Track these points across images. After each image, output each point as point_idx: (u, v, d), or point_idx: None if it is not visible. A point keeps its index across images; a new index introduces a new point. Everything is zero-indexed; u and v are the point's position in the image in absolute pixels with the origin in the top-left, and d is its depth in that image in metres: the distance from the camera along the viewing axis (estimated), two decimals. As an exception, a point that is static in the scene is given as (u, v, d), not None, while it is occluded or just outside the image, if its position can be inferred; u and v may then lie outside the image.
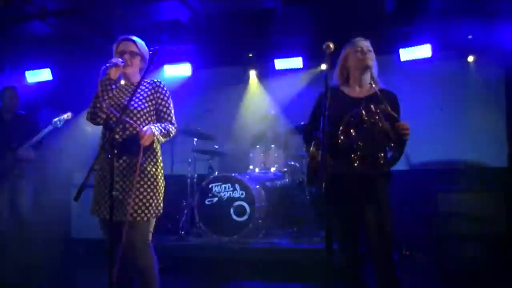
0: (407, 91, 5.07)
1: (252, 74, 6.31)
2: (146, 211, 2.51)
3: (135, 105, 2.55)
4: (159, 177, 2.61)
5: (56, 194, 4.73)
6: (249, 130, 6.00)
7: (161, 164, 2.67)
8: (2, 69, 5.70)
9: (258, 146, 5.23)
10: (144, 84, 2.66)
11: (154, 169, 2.57)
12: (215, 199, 4.74)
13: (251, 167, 5.20)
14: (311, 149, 2.51)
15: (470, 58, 5.44)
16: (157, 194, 2.57)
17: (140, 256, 2.51)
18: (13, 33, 5.20)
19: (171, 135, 2.63)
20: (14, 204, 4.48)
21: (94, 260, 4.95)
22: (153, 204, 2.55)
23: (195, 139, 5.28)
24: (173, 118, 2.68)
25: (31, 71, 5.90)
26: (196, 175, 5.33)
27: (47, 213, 5.00)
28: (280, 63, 5.84)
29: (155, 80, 2.70)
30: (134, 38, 2.68)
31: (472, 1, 4.49)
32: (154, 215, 2.57)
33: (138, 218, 2.48)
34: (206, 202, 4.74)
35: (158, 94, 2.64)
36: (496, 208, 4.33)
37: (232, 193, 4.72)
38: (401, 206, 4.69)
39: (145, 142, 2.41)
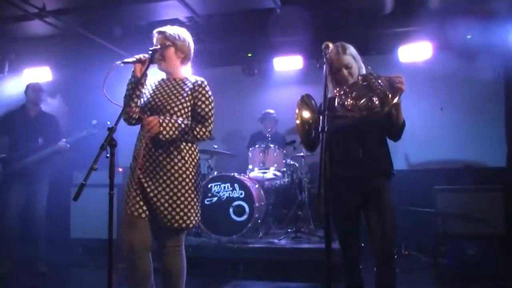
0: (406, 91, 5.09)
1: (252, 73, 6.30)
2: (185, 218, 2.42)
3: (173, 104, 2.46)
4: (192, 179, 2.47)
5: (56, 194, 4.72)
6: (248, 130, 6.00)
7: (196, 165, 2.53)
8: (1, 68, 5.69)
9: (257, 145, 5.23)
10: (186, 82, 2.56)
11: (183, 170, 2.44)
12: (214, 198, 4.75)
13: (250, 166, 5.20)
14: (296, 111, 2.48)
15: (469, 58, 5.44)
16: (191, 199, 2.46)
17: (170, 256, 2.50)
18: (13, 32, 5.20)
19: (198, 136, 2.47)
20: (30, 205, 4.46)
21: (93, 260, 4.97)
22: (192, 210, 2.46)
23: (195, 139, 5.28)
24: (208, 120, 2.51)
25: (31, 70, 5.90)
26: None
27: (47, 212, 4.99)
28: (280, 63, 5.84)
29: (199, 79, 2.58)
30: (164, 29, 2.55)
31: (471, 1, 4.49)
32: (194, 222, 2.48)
33: (176, 225, 2.42)
34: (205, 202, 4.74)
35: (197, 93, 2.51)
36: (495, 208, 4.34)
37: (231, 192, 4.72)
38: (400, 205, 4.70)
39: (147, 131, 2.32)
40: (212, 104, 2.58)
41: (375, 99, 2.29)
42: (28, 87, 4.65)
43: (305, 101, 2.46)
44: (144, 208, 2.43)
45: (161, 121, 2.34)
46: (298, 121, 2.46)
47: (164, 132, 2.34)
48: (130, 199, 2.45)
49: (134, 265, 2.46)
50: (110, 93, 2.45)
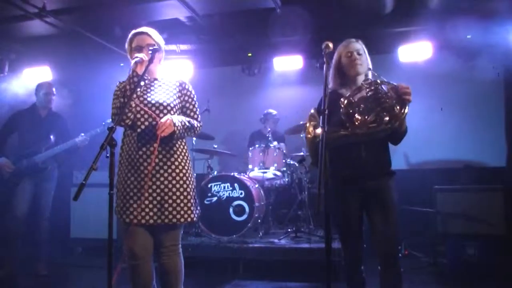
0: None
1: (252, 73, 6.31)
2: (189, 212, 2.47)
3: (167, 101, 2.51)
4: (190, 174, 2.55)
5: (56, 194, 4.73)
6: (248, 130, 6.01)
7: (189, 160, 2.60)
8: (1, 68, 5.69)
9: (257, 145, 5.23)
10: (170, 81, 2.63)
11: (182, 165, 2.51)
12: (214, 198, 4.75)
13: (250, 166, 5.20)
14: (307, 124, 2.44)
15: (469, 58, 5.44)
16: (192, 193, 2.52)
17: (168, 255, 2.51)
18: (13, 32, 5.20)
19: (196, 131, 2.60)
20: (35, 205, 4.44)
21: (93, 260, 4.97)
22: (194, 203, 2.52)
23: (194, 139, 5.29)
24: (199, 116, 2.66)
25: (31, 70, 5.90)
26: (195, 174, 5.32)
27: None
28: (280, 63, 5.84)
29: (179, 79, 2.66)
30: (148, 30, 2.60)
31: (471, 1, 4.49)
32: (196, 215, 2.52)
33: (182, 220, 2.44)
34: (205, 202, 4.75)
35: (185, 91, 2.62)
36: (495, 208, 4.34)
37: (231, 192, 4.72)
38: (400, 205, 4.71)
39: (163, 132, 2.34)
40: (197, 101, 2.69)
41: (384, 114, 2.26)
42: (39, 87, 4.59)
43: (314, 115, 2.46)
44: (147, 210, 2.41)
45: (174, 120, 2.39)
46: (308, 135, 2.42)
47: (177, 131, 2.41)
48: (127, 207, 2.44)
49: (136, 270, 2.47)
50: (109, 90, 2.47)
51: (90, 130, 4.46)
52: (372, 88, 2.34)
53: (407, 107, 2.25)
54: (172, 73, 2.73)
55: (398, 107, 2.25)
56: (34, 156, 4.38)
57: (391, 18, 4.90)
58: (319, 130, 2.39)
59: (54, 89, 4.64)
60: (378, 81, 2.38)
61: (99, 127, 4.44)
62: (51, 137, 4.45)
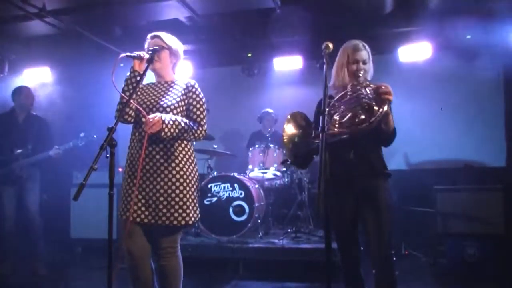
0: (406, 91, 5.12)
1: (251, 73, 6.31)
2: (184, 215, 2.43)
3: (168, 102, 2.49)
4: (191, 176, 2.50)
5: (56, 194, 4.72)
6: (248, 130, 6.01)
7: (193, 163, 2.56)
8: (1, 68, 5.69)
9: (257, 145, 5.24)
10: (178, 83, 2.60)
11: (181, 167, 2.46)
12: (214, 198, 4.75)
13: (250, 166, 5.20)
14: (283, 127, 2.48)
15: (469, 58, 5.45)
16: (190, 196, 2.48)
17: (166, 257, 2.49)
18: (13, 32, 5.20)
19: (196, 135, 2.51)
20: (22, 204, 4.42)
21: (93, 260, 4.97)
22: (191, 207, 2.47)
23: (195, 139, 5.28)
24: (203, 120, 2.56)
25: (31, 70, 5.90)
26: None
27: (47, 212, 4.98)
28: (280, 63, 5.84)
29: (189, 80, 2.61)
30: (160, 33, 2.60)
31: (471, 1, 4.50)
32: (193, 219, 2.48)
33: (175, 222, 2.41)
34: (205, 202, 4.75)
35: (190, 94, 2.55)
36: (495, 207, 4.34)
37: (231, 192, 4.72)
38: (400, 205, 4.73)
39: (149, 128, 2.30)
40: (204, 105, 2.63)
41: (360, 113, 2.28)
42: (18, 92, 4.55)
43: (294, 116, 2.47)
44: (143, 209, 2.42)
45: (163, 118, 2.34)
46: (285, 139, 2.49)
47: (166, 130, 2.35)
48: (125, 204, 2.45)
49: (135, 271, 2.47)
50: (109, 90, 2.46)
51: (64, 143, 4.38)
52: (355, 90, 2.37)
53: (386, 106, 2.24)
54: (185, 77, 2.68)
55: (376, 107, 2.26)
56: (12, 164, 4.33)
57: (391, 18, 4.90)
58: (291, 130, 2.45)
59: (33, 93, 4.62)
60: (362, 83, 2.40)
61: (73, 140, 4.37)
62: (28, 144, 4.38)
